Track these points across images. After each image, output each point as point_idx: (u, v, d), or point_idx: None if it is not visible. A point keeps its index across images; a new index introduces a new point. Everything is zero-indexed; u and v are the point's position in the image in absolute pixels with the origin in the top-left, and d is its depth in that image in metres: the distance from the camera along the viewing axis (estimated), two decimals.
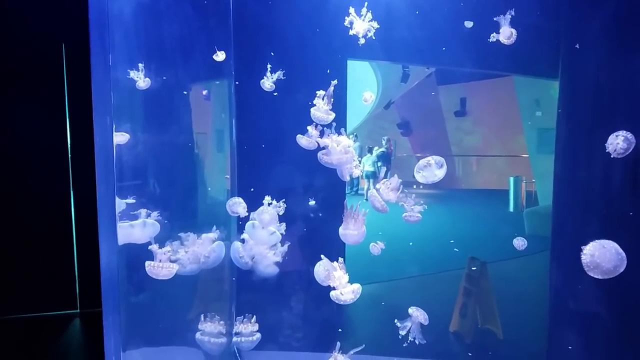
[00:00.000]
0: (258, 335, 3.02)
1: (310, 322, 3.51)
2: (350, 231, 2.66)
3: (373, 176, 5.02)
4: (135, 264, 2.47)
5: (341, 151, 2.55)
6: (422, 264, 3.14)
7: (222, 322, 2.92)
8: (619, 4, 2.68)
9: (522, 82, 4.77)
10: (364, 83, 4.16)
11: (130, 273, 2.44)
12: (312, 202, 3.31)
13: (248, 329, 2.98)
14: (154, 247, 2.45)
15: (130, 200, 2.39)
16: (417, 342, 2.78)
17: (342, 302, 2.63)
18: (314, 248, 2.86)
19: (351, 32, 2.85)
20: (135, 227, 2.36)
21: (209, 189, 3.19)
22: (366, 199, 5.07)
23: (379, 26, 2.84)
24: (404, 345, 2.79)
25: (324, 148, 2.62)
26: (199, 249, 2.70)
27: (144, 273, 2.50)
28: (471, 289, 3.75)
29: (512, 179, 5.16)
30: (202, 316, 2.90)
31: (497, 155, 5.42)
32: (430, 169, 2.62)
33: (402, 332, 2.78)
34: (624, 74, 2.63)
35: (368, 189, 5.05)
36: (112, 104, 2.08)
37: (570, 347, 2.97)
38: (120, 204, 2.32)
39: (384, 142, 5.30)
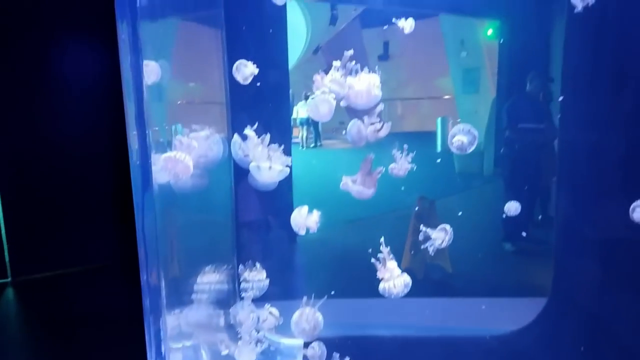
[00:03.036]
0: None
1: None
2: (365, 189, 2.39)
3: (307, 123, 4.91)
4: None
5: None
6: (371, 206, 3.10)
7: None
8: None
9: (448, 21, 4.81)
10: (292, 28, 3.97)
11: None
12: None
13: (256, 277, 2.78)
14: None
15: None
16: None
17: (393, 296, 2.42)
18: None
19: None
20: None
21: None
22: (302, 147, 4.94)
23: None
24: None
25: None
26: (196, 151, 2.39)
27: None
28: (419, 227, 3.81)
29: (439, 119, 5.30)
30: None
31: (423, 98, 5.51)
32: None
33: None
34: None
35: (305, 136, 4.94)
36: None
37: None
38: None
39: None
